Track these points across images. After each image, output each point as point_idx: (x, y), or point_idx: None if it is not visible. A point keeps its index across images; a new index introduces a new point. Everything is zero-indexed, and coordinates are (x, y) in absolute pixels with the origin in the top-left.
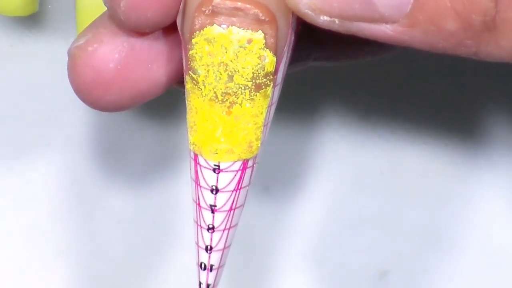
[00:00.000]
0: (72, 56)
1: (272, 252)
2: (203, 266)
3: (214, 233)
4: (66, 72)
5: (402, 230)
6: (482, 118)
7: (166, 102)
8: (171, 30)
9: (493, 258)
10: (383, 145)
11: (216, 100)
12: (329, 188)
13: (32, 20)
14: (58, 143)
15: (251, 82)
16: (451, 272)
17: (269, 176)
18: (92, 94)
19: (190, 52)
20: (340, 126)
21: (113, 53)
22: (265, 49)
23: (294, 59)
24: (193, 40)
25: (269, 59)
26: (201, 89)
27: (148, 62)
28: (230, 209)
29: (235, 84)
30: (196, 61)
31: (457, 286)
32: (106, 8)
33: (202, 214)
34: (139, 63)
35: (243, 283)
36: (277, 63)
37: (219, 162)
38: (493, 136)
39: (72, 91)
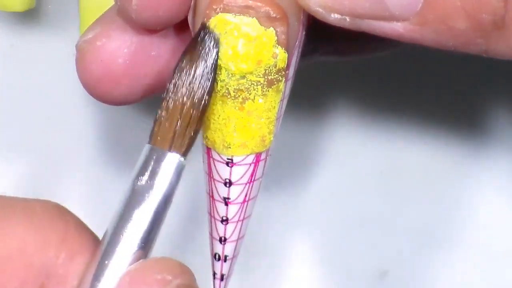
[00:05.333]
0: (81, 50)
1: (272, 252)
2: (217, 256)
3: (228, 225)
4: (66, 72)
5: (402, 230)
6: (482, 118)
7: None
8: (179, 25)
9: (493, 258)
10: (383, 145)
11: (229, 96)
12: (329, 188)
13: (32, 20)
14: (58, 142)
15: (263, 78)
16: (451, 272)
17: (270, 176)
18: (100, 89)
19: None
20: (340, 126)
21: (122, 48)
22: (277, 45)
23: (301, 53)
24: None
25: (281, 56)
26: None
27: (156, 56)
28: (244, 201)
29: (247, 80)
30: None
31: (457, 286)
32: (111, 4)
33: (216, 206)
34: (148, 58)
35: (243, 283)
36: (289, 59)
37: (232, 156)
38: (493, 136)
39: (72, 90)
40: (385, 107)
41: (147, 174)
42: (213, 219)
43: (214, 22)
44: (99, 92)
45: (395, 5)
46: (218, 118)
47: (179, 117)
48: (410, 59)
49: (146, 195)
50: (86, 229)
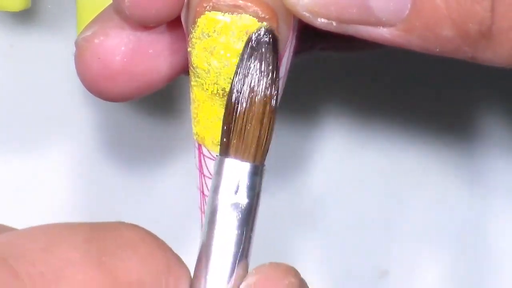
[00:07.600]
0: (79, 47)
1: (271, 252)
2: None
3: None
4: (65, 72)
5: (402, 230)
6: (482, 118)
7: (168, 97)
8: (176, 23)
9: (492, 258)
10: (383, 145)
11: (217, 94)
12: (330, 188)
13: (31, 21)
14: (58, 142)
15: None
16: (450, 272)
17: (269, 176)
18: (98, 85)
19: None
20: (340, 126)
21: (119, 46)
22: None
23: (299, 49)
24: None
25: None
26: (203, 84)
27: (153, 55)
28: None
29: None
30: None
31: (456, 286)
32: (108, 4)
33: (206, 201)
34: (145, 56)
35: None
36: (278, 59)
37: None
38: (493, 136)
39: (71, 90)
40: (386, 107)
41: (236, 189)
42: (203, 214)
43: (203, 20)
44: (97, 88)
45: (381, 11)
46: (207, 115)
47: (260, 125)
48: (410, 60)
49: (239, 210)
50: (173, 251)
